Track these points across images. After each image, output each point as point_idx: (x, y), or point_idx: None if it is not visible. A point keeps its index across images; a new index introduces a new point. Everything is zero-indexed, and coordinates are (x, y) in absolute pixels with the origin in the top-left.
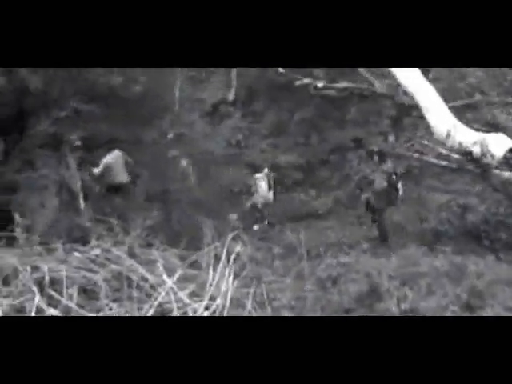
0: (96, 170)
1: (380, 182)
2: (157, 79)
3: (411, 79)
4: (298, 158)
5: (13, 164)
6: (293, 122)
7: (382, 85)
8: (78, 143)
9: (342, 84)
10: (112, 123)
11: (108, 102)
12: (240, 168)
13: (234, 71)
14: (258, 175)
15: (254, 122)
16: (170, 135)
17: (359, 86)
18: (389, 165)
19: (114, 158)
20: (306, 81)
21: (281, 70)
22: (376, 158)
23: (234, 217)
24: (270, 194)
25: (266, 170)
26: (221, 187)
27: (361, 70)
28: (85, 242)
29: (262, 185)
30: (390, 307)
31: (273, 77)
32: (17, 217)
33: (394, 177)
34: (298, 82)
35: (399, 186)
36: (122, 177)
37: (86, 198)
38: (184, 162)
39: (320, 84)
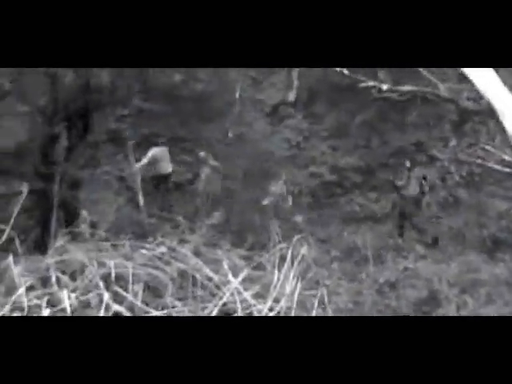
0: (138, 165)
1: (414, 189)
2: (218, 78)
3: (488, 83)
4: (357, 160)
5: (76, 160)
6: (353, 125)
7: (445, 88)
8: (138, 141)
9: (406, 87)
10: (173, 121)
11: (169, 100)
12: (299, 169)
13: (296, 72)
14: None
15: (314, 123)
16: (231, 134)
17: (423, 90)
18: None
19: (160, 150)
20: (371, 83)
21: (346, 72)
22: (408, 163)
23: (299, 218)
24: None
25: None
26: (281, 188)
27: (425, 72)
28: (147, 238)
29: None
30: (449, 314)
31: (334, 78)
32: (84, 213)
33: (424, 182)
34: (362, 84)
35: (426, 190)
36: (168, 168)
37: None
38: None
39: (385, 87)
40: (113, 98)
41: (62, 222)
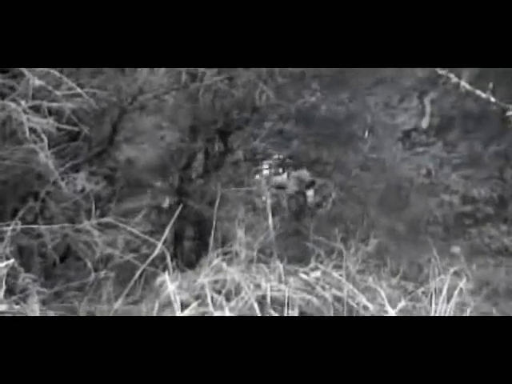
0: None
1: None
2: (353, 101)
3: None
4: (490, 191)
5: (218, 179)
6: (487, 154)
7: None
8: (277, 161)
9: None
10: (311, 143)
11: (308, 122)
12: (430, 197)
13: (429, 98)
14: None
15: (446, 151)
16: (362, 158)
17: None
18: None
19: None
20: None
21: (492, 99)
22: None
23: (456, 249)
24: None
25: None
26: (415, 216)
27: None
28: (301, 261)
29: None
30: None
31: (469, 105)
32: (239, 233)
33: None
34: (509, 113)
35: None
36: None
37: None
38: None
39: None
40: (254, 118)
41: (218, 241)
